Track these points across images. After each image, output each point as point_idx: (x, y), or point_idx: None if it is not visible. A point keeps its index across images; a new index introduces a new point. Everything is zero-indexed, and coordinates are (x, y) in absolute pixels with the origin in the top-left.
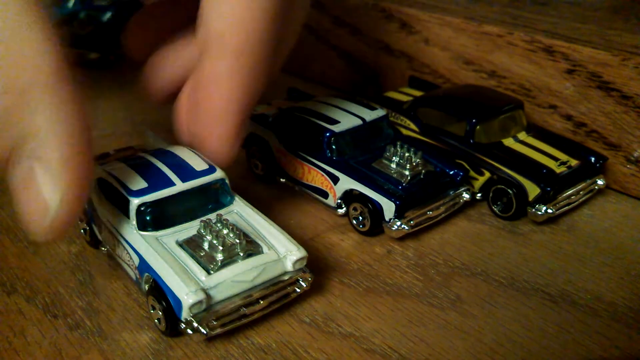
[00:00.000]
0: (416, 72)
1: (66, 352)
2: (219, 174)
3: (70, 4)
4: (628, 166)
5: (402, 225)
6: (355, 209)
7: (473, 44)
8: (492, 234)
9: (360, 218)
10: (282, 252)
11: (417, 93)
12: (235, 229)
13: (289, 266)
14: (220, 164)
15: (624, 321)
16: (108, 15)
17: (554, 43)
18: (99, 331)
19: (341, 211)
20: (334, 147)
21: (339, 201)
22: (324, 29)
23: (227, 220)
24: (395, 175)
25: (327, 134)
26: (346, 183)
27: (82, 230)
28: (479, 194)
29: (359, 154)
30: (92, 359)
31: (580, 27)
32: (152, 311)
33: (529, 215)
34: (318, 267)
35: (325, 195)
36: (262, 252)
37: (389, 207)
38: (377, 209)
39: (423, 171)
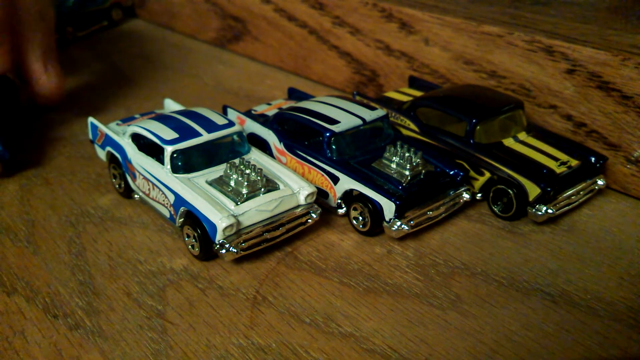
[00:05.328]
0: (416, 72)
1: (66, 352)
2: (237, 127)
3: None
4: (628, 166)
5: (402, 225)
6: (355, 209)
7: (473, 44)
8: (492, 234)
9: (360, 218)
10: (295, 188)
11: (417, 93)
12: (257, 169)
13: (301, 200)
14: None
15: (624, 321)
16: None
17: (554, 43)
18: (99, 331)
19: (341, 211)
20: (334, 147)
21: (339, 201)
22: (324, 29)
23: (249, 161)
24: (395, 175)
25: (327, 134)
26: (346, 183)
27: (116, 186)
28: (479, 194)
29: (359, 154)
30: (92, 359)
31: (580, 27)
32: (186, 239)
33: (529, 215)
34: (318, 267)
35: (325, 195)
36: (279, 188)
37: (389, 207)
38: (377, 209)
39: (423, 171)
